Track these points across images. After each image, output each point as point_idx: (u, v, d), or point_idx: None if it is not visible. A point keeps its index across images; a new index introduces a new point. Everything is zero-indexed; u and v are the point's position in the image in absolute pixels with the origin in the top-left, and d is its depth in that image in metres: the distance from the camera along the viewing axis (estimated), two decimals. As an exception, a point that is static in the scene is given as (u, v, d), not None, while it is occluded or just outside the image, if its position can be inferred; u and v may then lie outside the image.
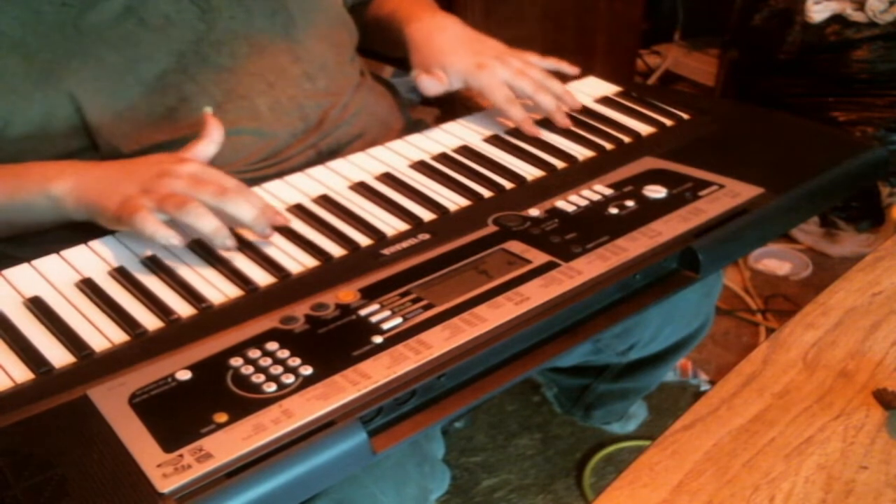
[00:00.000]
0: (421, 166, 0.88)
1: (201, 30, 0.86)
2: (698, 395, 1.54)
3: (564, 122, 0.95)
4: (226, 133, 0.79)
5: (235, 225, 0.73)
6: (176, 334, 0.63)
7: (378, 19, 1.07)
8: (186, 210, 0.69)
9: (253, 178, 0.85)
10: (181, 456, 0.50)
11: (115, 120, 0.82)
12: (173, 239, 0.69)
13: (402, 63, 1.04)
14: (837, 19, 1.89)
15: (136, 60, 0.83)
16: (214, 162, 0.78)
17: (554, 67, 1.00)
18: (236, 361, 0.58)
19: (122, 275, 0.69)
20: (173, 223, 0.70)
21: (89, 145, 0.83)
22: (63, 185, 0.74)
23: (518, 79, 0.94)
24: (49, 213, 0.76)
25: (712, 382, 1.59)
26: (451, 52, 0.95)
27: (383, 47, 1.12)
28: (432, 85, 0.93)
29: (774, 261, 1.95)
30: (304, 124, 0.91)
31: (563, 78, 1.09)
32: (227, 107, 0.86)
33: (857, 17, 1.87)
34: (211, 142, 0.77)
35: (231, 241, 0.71)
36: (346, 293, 0.65)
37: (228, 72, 0.87)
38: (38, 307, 0.65)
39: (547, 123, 0.97)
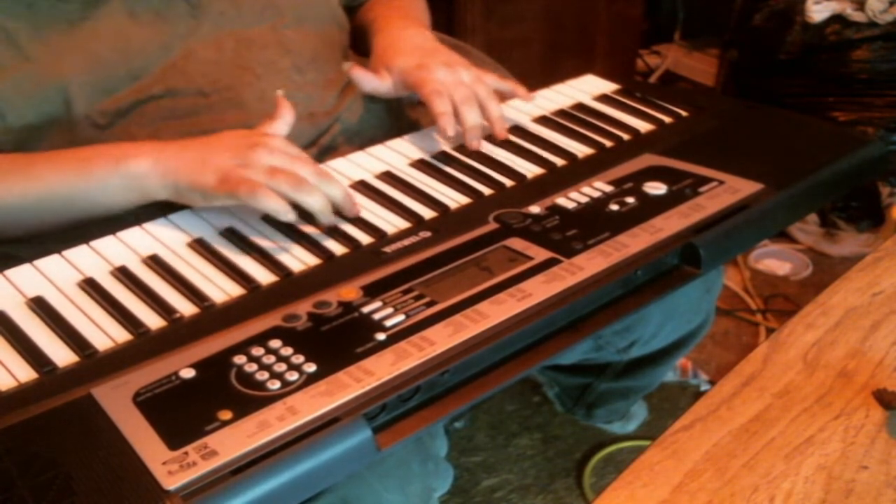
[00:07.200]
0: (421, 164, 0.88)
1: (191, 25, 0.87)
2: (698, 395, 1.54)
3: (473, 144, 0.89)
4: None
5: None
6: (178, 333, 0.63)
7: (364, 24, 1.06)
8: (302, 188, 0.72)
9: None
10: (186, 453, 0.50)
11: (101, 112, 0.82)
12: (290, 215, 0.72)
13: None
14: (837, 19, 1.90)
15: (128, 54, 0.83)
16: None
17: (509, 90, 0.95)
18: (240, 359, 0.58)
19: (123, 274, 0.69)
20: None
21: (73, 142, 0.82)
22: (143, 162, 0.74)
23: (455, 87, 0.89)
24: (124, 195, 0.75)
25: (712, 382, 1.60)
26: (400, 54, 0.93)
27: (366, 53, 1.12)
28: (366, 79, 0.91)
29: (774, 261, 1.95)
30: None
31: (562, 76, 1.09)
32: (213, 98, 0.87)
33: (857, 17, 1.87)
34: (284, 122, 0.79)
35: (333, 218, 0.75)
36: (349, 291, 0.66)
37: (215, 65, 0.87)
38: (40, 307, 0.65)
39: (546, 124, 0.97)
